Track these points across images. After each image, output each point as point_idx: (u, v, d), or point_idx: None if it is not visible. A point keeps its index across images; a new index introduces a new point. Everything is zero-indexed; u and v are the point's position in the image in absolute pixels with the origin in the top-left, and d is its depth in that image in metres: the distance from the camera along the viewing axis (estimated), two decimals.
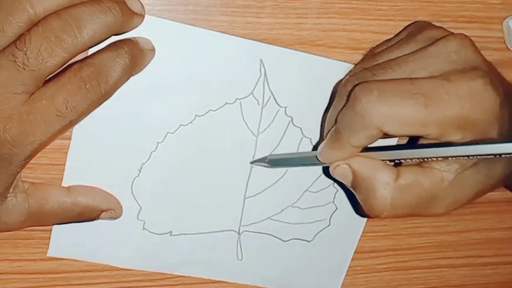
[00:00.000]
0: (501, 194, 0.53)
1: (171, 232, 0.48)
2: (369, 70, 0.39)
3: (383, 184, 0.39)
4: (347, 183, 0.40)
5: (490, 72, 0.38)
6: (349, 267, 0.52)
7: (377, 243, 0.53)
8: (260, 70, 0.45)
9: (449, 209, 0.40)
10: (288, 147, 0.47)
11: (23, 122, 0.37)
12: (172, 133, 0.45)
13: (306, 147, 0.48)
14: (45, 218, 0.42)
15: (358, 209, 0.48)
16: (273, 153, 0.47)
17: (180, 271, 0.49)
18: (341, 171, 0.40)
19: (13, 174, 0.39)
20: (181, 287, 0.50)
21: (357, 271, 0.53)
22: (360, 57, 0.46)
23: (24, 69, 0.36)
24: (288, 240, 0.50)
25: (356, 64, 0.44)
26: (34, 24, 0.36)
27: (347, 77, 0.41)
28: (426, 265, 0.55)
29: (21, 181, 0.41)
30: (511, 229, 0.56)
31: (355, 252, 0.52)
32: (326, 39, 0.45)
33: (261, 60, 0.44)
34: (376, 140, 0.38)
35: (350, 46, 0.46)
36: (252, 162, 0.47)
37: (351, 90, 0.37)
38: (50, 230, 0.46)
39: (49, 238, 0.46)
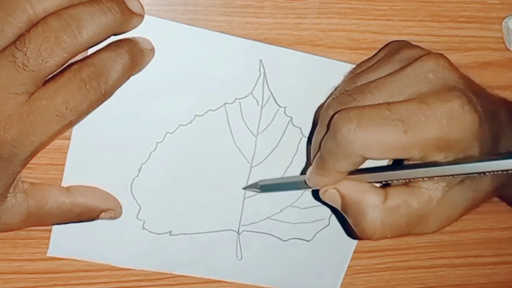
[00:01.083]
0: None
1: (170, 231, 0.48)
2: (349, 94, 0.39)
3: (372, 206, 0.39)
4: (337, 206, 0.41)
5: (468, 90, 0.38)
6: (348, 266, 0.52)
7: (376, 242, 0.53)
8: (260, 70, 0.45)
9: (441, 227, 0.40)
10: (287, 147, 0.47)
11: (23, 122, 0.37)
12: (172, 133, 0.45)
13: (306, 147, 0.48)
14: (45, 219, 0.42)
15: (349, 231, 0.49)
16: (273, 152, 0.47)
17: (180, 270, 0.50)
18: (330, 196, 0.40)
19: (13, 174, 0.39)
20: (181, 287, 0.50)
21: (356, 270, 0.54)
22: (359, 57, 0.46)
23: (24, 70, 0.36)
24: (287, 240, 0.50)
25: (337, 87, 0.44)
26: (34, 25, 0.36)
27: (328, 100, 0.41)
28: (425, 265, 0.55)
29: (20, 181, 0.41)
30: (510, 229, 0.56)
31: (354, 252, 0.52)
32: (325, 39, 0.45)
33: (260, 60, 0.44)
34: (361, 165, 0.38)
35: (349, 46, 0.46)
36: (244, 188, 0.48)
37: (332, 117, 0.38)
38: (50, 230, 0.46)
39: (48, 238, 0.46)
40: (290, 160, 0.48)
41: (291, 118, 0.47)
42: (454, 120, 0.36)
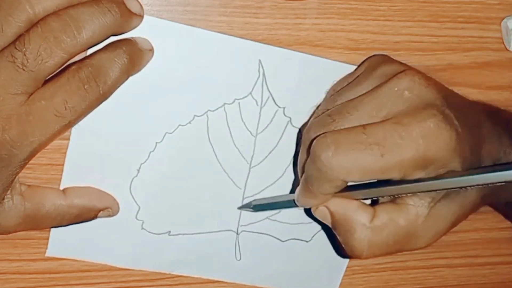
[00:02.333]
0: None
1: (169, 232, 0.48)
2: (328, 115, 0.40)
3: (360, 225, 0.39)
4: (328, 224, 0.41)
5: (446, 106, 0.38)
6: (347, 267, 0.52)
7: None
8: (259, 71, 0.45)
9: (430, 242, 0.41)
10: (286, 147, 0.47)
11: (22, 123, 0.37)
12: (171, 133, 0.45)
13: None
14: (42, 222, 0.42)
15: (339, 250, 0.50)
16: (272, 152, 0.47)
17: (179, 270, 0.50)
18: (321, 213, 0.41)
19: (11, 175, 0.39)
20: (180, 287, 0.50)
21: (355, 271, 0.54)
22: (358, 57, 0.46)
23: (24, 70, 0.36)
24: (286, 240, 0.50)
25: (319, 105, 0.44)
26: (34, 25, 0.36)
27: (310, 120, 0.41)
28: (424, 265, 0.55)
29: (18, 183, 0.41)
30: (509, 229, 0.56)
31: None
32: (325, 40, 0.45)
33: (259, 60, 0.44)
34: (344, 186, 0.39)
35: (349, 47, 0.46)
36: (239, 208, 0.48)
37: (311, 145, 0.38)
38: (49, 230, 0.46)
39: (48, 238, 0.46)
40: (289, 161, 0.48)
41: (290, 118, 0.47)
42: (430, 139, 0.37)
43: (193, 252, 0.49)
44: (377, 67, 0.42)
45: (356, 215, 0.39)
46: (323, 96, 0.45)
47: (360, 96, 0.40)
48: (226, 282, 0.51)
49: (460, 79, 0.49)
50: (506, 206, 0.51)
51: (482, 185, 0.36)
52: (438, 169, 0.38)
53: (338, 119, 0.39)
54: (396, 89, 0.39)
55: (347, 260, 0.52)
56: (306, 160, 0.40)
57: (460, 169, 0.38)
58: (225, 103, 0.45)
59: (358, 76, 0.43)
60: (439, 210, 0.39)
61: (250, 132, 0.46)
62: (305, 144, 0.41)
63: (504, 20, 0.48)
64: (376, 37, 0.46)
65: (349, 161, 0.36)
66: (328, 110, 0.40)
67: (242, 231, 0.49)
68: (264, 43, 0.44)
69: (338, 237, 0.41)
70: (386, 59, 0.43)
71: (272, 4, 0.44)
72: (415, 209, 0.39)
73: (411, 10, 0.46)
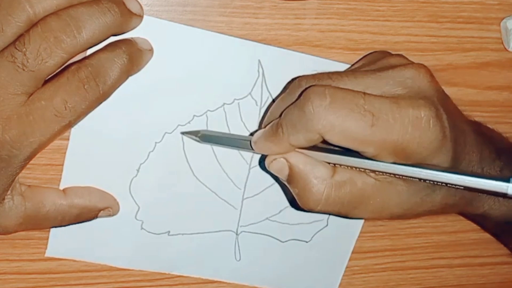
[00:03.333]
0: None
1: (169, 232, 0.48)
2: (327, 74, 0.39)
3: (320, 179, 0.39)
4: (283, 177, 0.40)
5: (441, 105, 0.38)
6: (346, 267, 0.52)
7: (374, 243, 0.53)
8: (258, 71, 0.45)
9: (375, 215, 0.40)
10: None
11: (23, 123, 0.37)
12: (170, 133, 0.45)
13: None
14: (42, 222, 0.42)
15: (293, 202, 0.47)
16: None
17: (178, 271, 0.50)
18: (278, 165, 0.40)
19: (12, 175, 0.39)
20: (180, 287, 0.50)
21: (355, 271, 0.54)
22: (358, 57, 0.46)
23: (24, 70, 0.36)
24: (286, 241, 0.50)
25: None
26: (33, 25, 0.36)
27: (306, 75, 0.41)
28: (423, 265, 0.55)
29: (18, 184, 0.41)
30: None
31: (352, 253, 0.52)
32: (324, 40, 0.45)
33: (259, 60, 0.44)
34: (313, 144, 0.38)
35: (348, 47, 0.46)
36: (182, 133, 0.46)
37: (305, 90, 0.37)
38: (49, 231, 0.46)
39: (47, 238, 0.46)
40: None
41: None
42: (417, 131, 0.36)
43: (192, 252, 0.49)
44: (382, 58, 0.42)
45: (317, 170, 0.39)
46: None
47: (364, 70, 0.40)
48: (225, 282, 0.51)
49: (459, 79, 0.49)
50: (479, 218, 0.51)
51: (442, 183, 0.36)
52: (410, 162, 0.37)
53: (335, 79, 0.38)
54: (400, 76, 0.38)
55: (346, 260, 0.52)
56: (283, 105, 0.39)
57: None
58: (224, 103, 0.45)
59: (361, 65, 0.43)
60: (397, 189, 0.39)
61: (250, 132, 0.46)
62: (291, 91, 0.40)
63: (503, 20, 0.48)
64: (375, 37, 0.46)
65: (339, 118, 0.36)
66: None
67: (241, 231, 0.49)
68: (264, 43, 0.44)
69: (292, 190, 0.40)
70: (388, 53, 0.44)
71: (271, 4, 0.44)
72: (374, 176, 0.39)
73: (411, 10, 0.46)
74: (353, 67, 0.44)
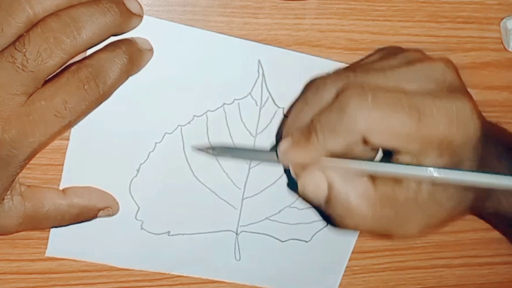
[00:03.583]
0: None
1: (169, 232, 0.48)
2: (352, 71, 0.38)
3: (362, 196, 0.37)
4: (320, 199, 0.38)
5: (473, 101, 0.38)
6: (346, 267, 0.52)
7: (374, 243, 0.53)
8: (258, 71, 0.45)
9: (422, 231, 0.39)
10: None
11: (22, 123, 0.37)
12: (170, 133, 0.45)
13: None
14: (42, 222, 0.42)
15: (326, 219, 0.48)
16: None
17: (178, 271, 0.50)
18: (314, 184, 0.37)
19: (12, 175, 0.39)
20: (179, 287, 0.50)
21: (355, 271, 0.54)
22: (358, 57, 0.46)
23: (23, 70, 0.36)
24: (286, 241, 0.50)
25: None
26: (33, 25, 0.36)
27: (325, 75, 0.39)
28: (423, 265, 0.55)
29: (18, 184, 0.41)
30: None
31: (352, 252, 0.52)
32: (324, 40, 0.45)
33: (259, 60, 0.44)
34: (350, 150, 0.37)
35: (348, 47, 0.46)
36: (195, 147, 0.45)
37: (341, 92, 0.36)
38: (49, 231, 0.46)
39: (47, 238, 0.46)
40: None
41: None
42: (462, 122, 0.36)
43: (192, 252, 0.49)
44: (399, 52, 0.41)
45: (357, 185, 0.37)
46: None
47: (389, 65, 0.38)
48: (225, 282, 0.51)
49: None
50: (490, 216, 0.50)
51: (493, 186, 0.36)
52: (452, 159, 0.36)
53: (362, 78, 0.37)
54: (430, 70, 0.38)
55: (346, 260, 0.52)
56: (309, 109, 0.37)
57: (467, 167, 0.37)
58: (224, 103, 0.45)
59: (381, 56, 0.41)
60: (437, 196, 0.38)
61: (250, 132, 0.46)
62: (315, 93, 0.38)
63: (503, 20, 0.48)
64: (375, 37, 0.46)
65: (383, 116, 0.35)
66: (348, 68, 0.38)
67: (241, 231, 0.49)
68: (264, 43, 0.44)
69: (331, 211, 0.38)
70: (403, 48, 0.42)
71: (271, 4, 0.44)
72: (413, 189, 0.37)
73: (411, 10, 0.46)
74: (366, 61, 0.43)
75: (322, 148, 0.37)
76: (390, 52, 0.42)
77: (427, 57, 0.40)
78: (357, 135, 0.36)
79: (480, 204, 0.44)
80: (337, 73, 0.39)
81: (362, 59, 0.44)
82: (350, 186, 0.37)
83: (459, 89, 0.38)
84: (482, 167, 0.39)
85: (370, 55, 0.44)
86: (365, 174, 0.37)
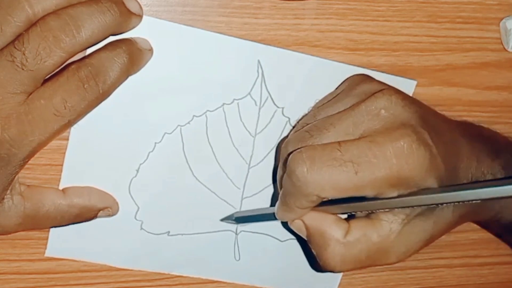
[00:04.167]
0: None
1: (168, 232, 0.48)
2: (306, 131, 0.40)
3: (333, 240, 0.40)
4: (304, 237, 0.41)
5: (421, 125, 0.39)
6: None
7: None
8: (258, 71, 0.45)
9: (401, 259, 0.41)
10: None
11: (22, 122, 0.37)
12: (170, 133, 0.45)
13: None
14: (42, 222, 0.42)
15: (314, 263, 0.50)
16: (271, 152, 0.47)
17: (178, 271, 0.50)
18: (296, 226, 0.41)
19: (11, 174, 0.39)
20: (179, 287, 0.50)
21: (355, 271, 0.53)
22: (357, 57, 0.46)
23: (23, 69, 0.36)
24: (285, 240, 0.50)
25: (299, 120, 0.45)
26: (33, 24, 0.36)
27: (289, 136, 0.42)
28: (423, 265, 0.55)
29: (18, 183, 0.41)
30: None
31: None
32: (324, 40, 0.45)
33: (258, 60, 0.44)
34: (320, 201, 0.39)
35: (348, 47, 0.46)
36: (222, 220, 0.48)
37: (289, 158, 0.38)
38: (48, 231, 0.46)
39: (47, 238, 0.46)
40: None
41: (289, 118, 0.47)
42: (403, 159, 0.37)
43: (192, 252, 0.49)
44: (357, 86, 0.42)
45: (331, 230, 0.40)
46: (321, 96, 0.45)
47: (338, 113, 0.40)
48: (225, 282, 0.51)
49: (458, 80, 0.49)
50: (486, 224, 0.52)
51: (455, 202, 0.37)
52: (412, 188, 0.38)
53: (315, 135, 0.39)
54: (373, 107, 0.39)
55: None
56: (282, 173, 0.40)
57: (435, 187, 0.38)
58: (224, 103, 0.45)
59: (338, 94, 0.43)
60: (412, 227, 0.40)
61: (249, 132, 0.46)
62: (283, 159, 0.41)
63: (503, 20, 0.48)
64: (375, 37, 0.46)
65: (324, 177, 0.37)
66: (307, 125, 0.41)
67: (241, 231, 0.49)
68: (263, 44, 0.44)
69: (312, 250, 0.41)
70: (366, 78, 0.44)
71: (271, 4, 0.44)
72: (388, 225, 0.39)
73: (410, 10, 0.46)
74: (334, 93, 0.44)
75: (296, 208, 0.40)
76: (353, 83, 0.43)
77: (374, 91, 0.40)
78: (313, 196, 0.38)
79: (478, 213, 0.46)
80: (298, 134, 0.40)
81: (327, 95, 0.45)
82: (325, 229, 0.40)
83: (404, 122, 0.38)
84: (456, 176, 0.41)
85: (337, 88, 0.45)
86: (342, 213, 0.41)
